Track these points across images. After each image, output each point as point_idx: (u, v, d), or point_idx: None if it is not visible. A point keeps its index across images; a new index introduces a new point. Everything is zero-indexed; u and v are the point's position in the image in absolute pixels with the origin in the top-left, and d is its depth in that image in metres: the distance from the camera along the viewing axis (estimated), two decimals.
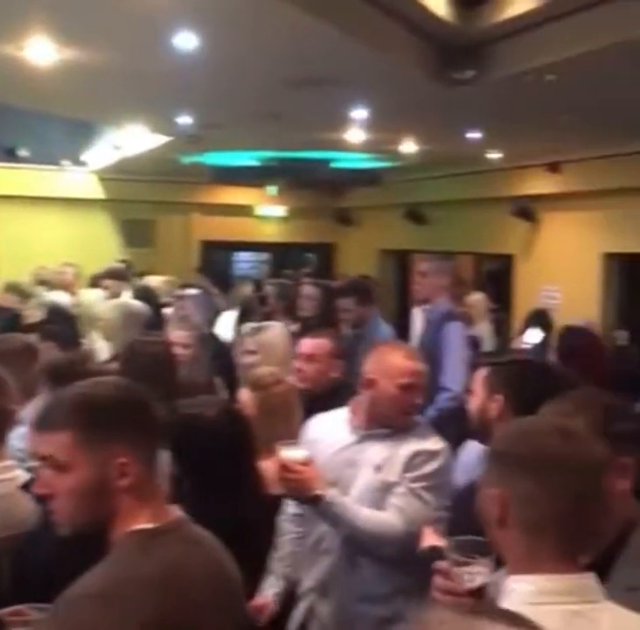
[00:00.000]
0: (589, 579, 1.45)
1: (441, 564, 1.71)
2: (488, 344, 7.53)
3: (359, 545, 2.77)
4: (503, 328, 8.52)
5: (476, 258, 11.99)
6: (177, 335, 4.55)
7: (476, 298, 8.25)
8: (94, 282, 8.01)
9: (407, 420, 2.90)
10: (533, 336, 6.72)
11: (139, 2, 3.47)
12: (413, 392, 2.88)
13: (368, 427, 2.88)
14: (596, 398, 1.91)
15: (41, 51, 4.26)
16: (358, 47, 4.06)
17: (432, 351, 4.84)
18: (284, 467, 2.69)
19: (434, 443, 2.86)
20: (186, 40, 3.83)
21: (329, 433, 2.96)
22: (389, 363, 2.88)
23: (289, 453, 2.72)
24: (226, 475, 2.74)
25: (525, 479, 1.45)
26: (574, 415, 1.75)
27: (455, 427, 3.31)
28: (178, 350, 4.28)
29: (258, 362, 4.14)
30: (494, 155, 8.13)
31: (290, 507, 2.99)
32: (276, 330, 4.57)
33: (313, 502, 2.71)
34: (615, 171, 7.51)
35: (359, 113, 5.77)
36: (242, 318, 6.29)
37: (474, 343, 6.81)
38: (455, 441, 2.92)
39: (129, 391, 1.68)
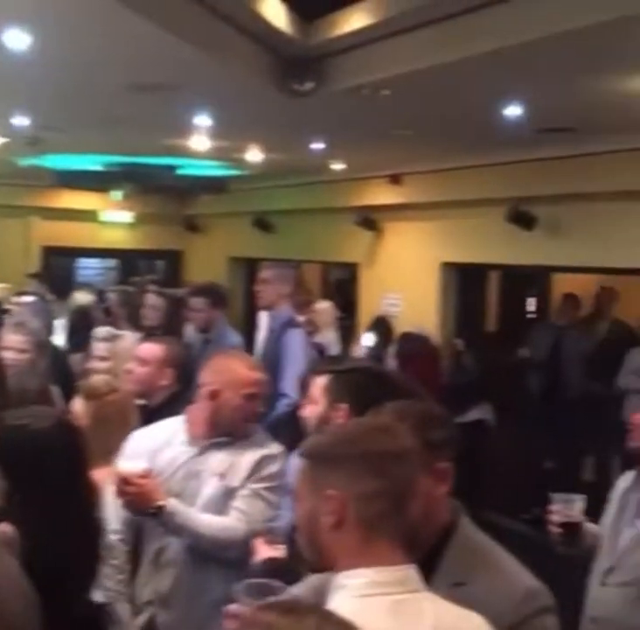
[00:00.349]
0: (412, 570, 1.53)
1: (232, 608, 1.73)
2: (334, 351, 7.66)
3: (204, 551, 2.77)
4: (349, 335, 8.70)
5: (324, 267, 12.19)
6: (11, 340, 4.37)
7: (323, 306, 8.40)
8: None
9: (249, 428, 2.95)
10: (367, 339, 6.96)
11: None
12: (256, 401, 2.95)
13: (209, 437, 2.90)
14: (413, 407, 1.96)
15: None
16: (198, 54, 4.04)
17: (273, 357, 4.91)
18: (124, 481, 2.66)
19: (274, 447, 2.95)
20: (17, 39, 3.69)
21: (166, 444, 2.94)
22: (234, 374, 2.92)
23: (128, 466, 2.68)
24: (58, 489, 2.67)
25: (363, 477, 1.51)
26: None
27: (290, 432, 3.36)
28: (11, 355, 4.14)
29: (108, 370, 4.07)
30: (338, 166, 8.29)
31: (114, 525, 2.92)
32: (130, 339, 4.53)
33: (154, 514, 2.70)
34: (452, 184, 7.82)
35: (203, 120, 5.75)
36: (77, 326, 6.14)
37: (320, 350, 6.94)
38: (289, 446, 2.97)
39: None
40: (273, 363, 4.93)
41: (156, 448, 2.92)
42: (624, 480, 2.86)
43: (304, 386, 2.72)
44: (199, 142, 6.73)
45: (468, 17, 3.80)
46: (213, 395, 2.87)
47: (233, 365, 2.96)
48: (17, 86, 4.94)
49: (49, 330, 6.49)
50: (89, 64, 4.37)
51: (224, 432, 2.90)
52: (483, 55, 3.86)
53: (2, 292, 8.01)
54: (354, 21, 4.12)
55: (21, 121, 6.05)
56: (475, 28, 3.80)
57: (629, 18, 3.24)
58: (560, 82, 4.45)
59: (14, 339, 4.39)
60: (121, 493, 2.69)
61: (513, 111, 5.11)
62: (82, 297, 8.08)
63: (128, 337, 4.55)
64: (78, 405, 3.28)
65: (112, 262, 13.03)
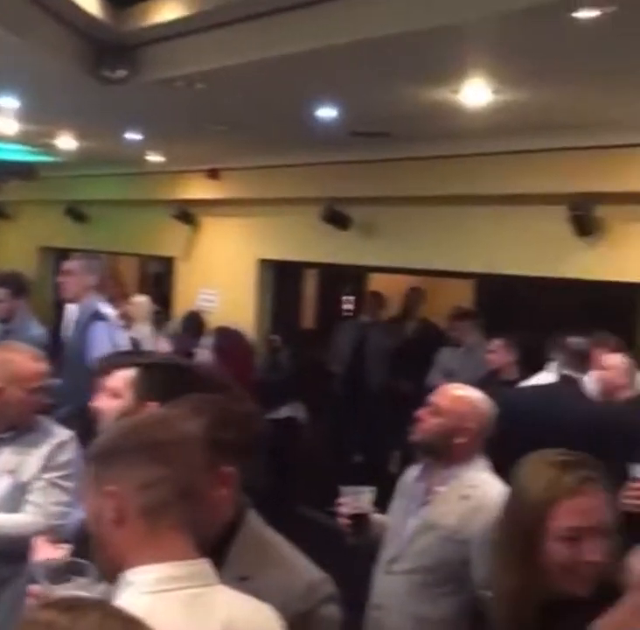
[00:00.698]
0: (206, 564, 1.52)
1: (35, 588, 1.69)
2: (149, 345, 7.56)
3: (4, 553, 2.65)
4: (164, 330, 8.60)
5: (141, 260, 11.96)
6: None
7: (139, 300, 8.25)
8: None
9: (34, 420, 2.89)
10: (170, 329, 7.00)
11: None
12: (41, 393, 2.90)
13: None
14: (212, 403, 1.91)
15: None
16: (3, 34, 3.86)
17: (79, 349, 4.83)
18: None
19: (63, 434, 2.91)
20: None
21: None
22: (16, 369, 2.85)
23: None
24: None
25: (140, 467, 1.50)
26: (189, 419, 1.77)
27: (83, 424, 3.30)
28: None
29: None
30: (155, 158, 8.15)
31: None
32: None
33: None
34: (269, 182, 7.88)
35: (9, 102, 5.49)
36: None
37: (134, 344, 6.81)
38: (81, 437, 2.92)
39: None
40: (78, 355, 4.83)
41: None
42: (411, 472, 2.99)
43: (96, 378, 2.65)
44: (6, 124, 6.42)
45: (284, 15, 3.83)
46: None
47: (13, 359, 2.88)
48: None
49: None
50: None
51: (8, 427, 2.83)
52: (298, 55, 3.90)
53: None
54: (167, 11, 4.07)
55: None
56: (291, 27, 3.83)
57: (440, 29, 3.37)
58: (373, 87, 4.57)
59: None
60: None
61: (328, 113, 5.22)
62: None
63: None
64: None
65: None
